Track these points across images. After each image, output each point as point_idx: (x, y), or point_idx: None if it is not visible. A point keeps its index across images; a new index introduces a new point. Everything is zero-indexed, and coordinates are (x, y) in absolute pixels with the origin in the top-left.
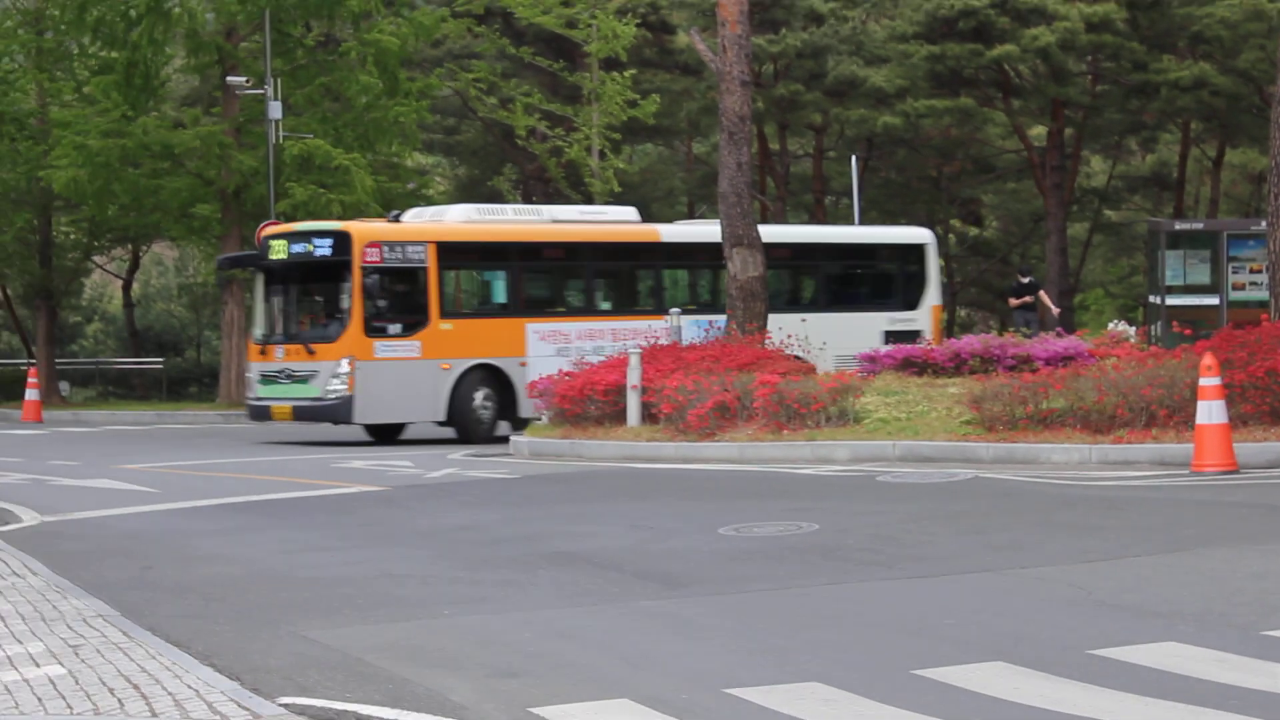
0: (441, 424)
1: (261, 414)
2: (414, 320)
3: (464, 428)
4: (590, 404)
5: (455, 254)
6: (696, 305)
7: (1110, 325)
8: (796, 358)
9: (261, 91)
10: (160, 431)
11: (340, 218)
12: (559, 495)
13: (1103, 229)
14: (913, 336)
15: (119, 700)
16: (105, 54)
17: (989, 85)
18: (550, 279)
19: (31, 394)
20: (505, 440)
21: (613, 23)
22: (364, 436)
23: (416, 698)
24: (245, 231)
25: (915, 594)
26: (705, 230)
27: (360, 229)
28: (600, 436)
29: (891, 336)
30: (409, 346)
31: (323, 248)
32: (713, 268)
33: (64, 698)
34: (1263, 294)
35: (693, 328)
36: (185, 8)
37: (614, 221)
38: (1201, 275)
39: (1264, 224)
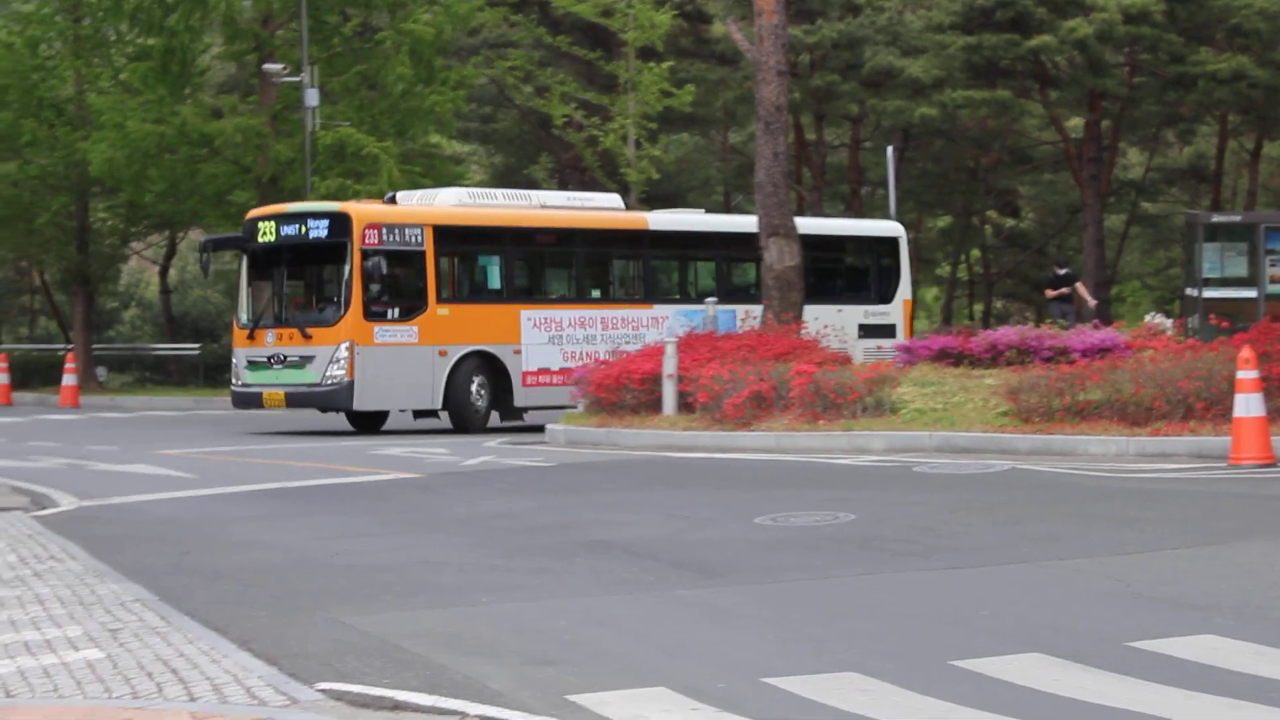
0: (420, 414)
1: (250, 401)
2: (412, 305)
3: (459, 416)
4: (626, 393)
5: (453, 238)
6: (687, 296)
7: (1147, 317)
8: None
9: (298, 79)
10: (196, 417)
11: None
12: (595, 484)
13: (1140, 221)
14: (888, 330)
15: (157, 685)
16: (142, 41)
17: (1026, 76)
18: (545, 265)
19: (69, 379)
20: (498, 431)
21: (650, 12)
22: (345, 426)
23: (454, 684)
24: None
25: (952, 585)
26: (693, 219)
27: (360, 210)
28: (636, 425)
29: (866, 330)
30: (407, 332)
31: (318, 229)
32: (702, 259)
33: (102, 681)
34: None
35: (680, 318)
36: None
37: (603, 208)
38: (1239, 268)
39: None
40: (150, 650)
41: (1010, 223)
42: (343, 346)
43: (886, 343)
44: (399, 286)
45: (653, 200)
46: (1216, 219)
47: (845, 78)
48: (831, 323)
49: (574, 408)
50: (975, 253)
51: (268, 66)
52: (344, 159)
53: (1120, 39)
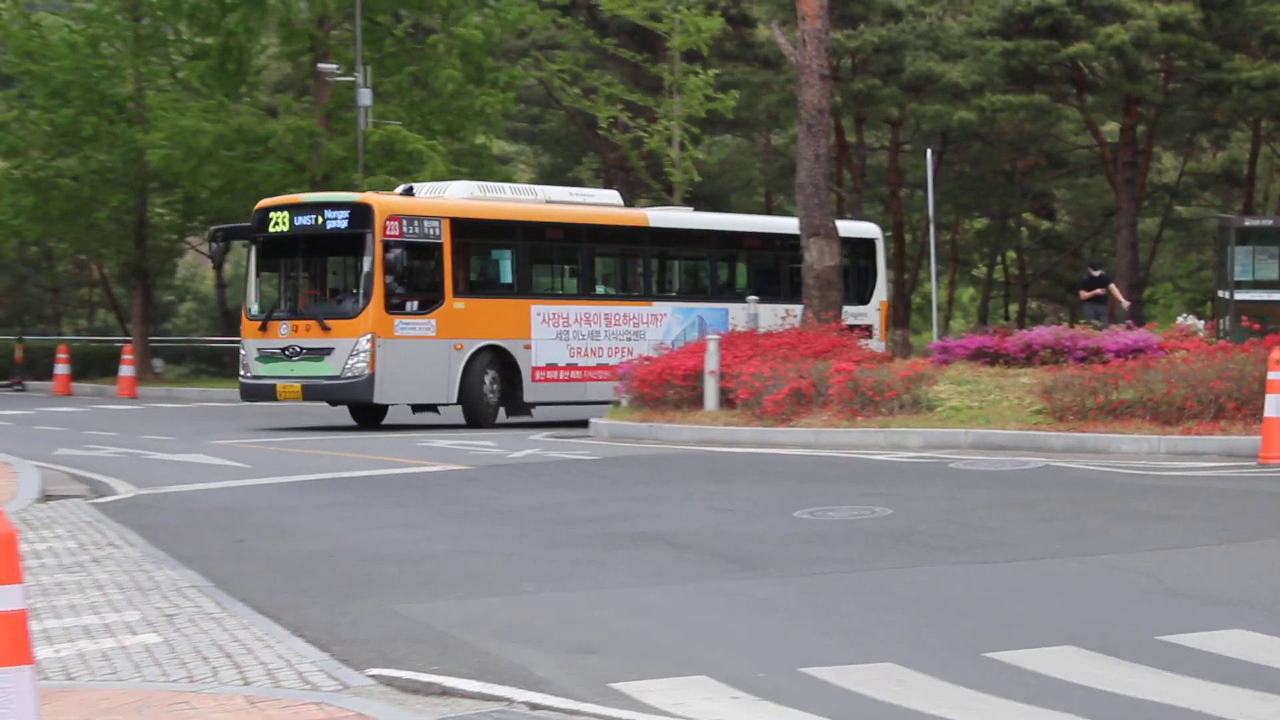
0: (418, 408)
1: (260, 393)
2: (430, 298)
3: (472, 410)
4: (669, 388)
5: (469, 230)
6: (693, 293)
7: (1179, 319)
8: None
9: (352, 79)
10: (249, 409)
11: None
12: (638, 477)
13: (1173, 224)
14: (865, 332)
15: (213, 669)
16: (200, 40)
17: (1063, 81)
18: (556, 260)
19: (126, 370)
20: (508, 426)
21: (697, 18)
22: (337, 420)
23: (501, 671)
24: None
25: (986, 579)
26: (693, 217)
27: (382, 201)
28: (678, 420)
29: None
30: (425, 325)
31: (337, 219)
32: (703, 258)
33: (160, 665)
34: None
35: (679, 315)
36: None
37: (603, 205)
38: (1270, 271)
39: None
40: (206, 635)
41: (1046, 225)
42: (364, 338)
43: (865, 344)
44: (417, 279)
45: (695, 200)
46: (1248, 223)
47: (886, 82)
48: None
49: (583, 405)
50: (1011, 254)
51: (322, 66)
52: (393, 156)
53: (1156, 46)
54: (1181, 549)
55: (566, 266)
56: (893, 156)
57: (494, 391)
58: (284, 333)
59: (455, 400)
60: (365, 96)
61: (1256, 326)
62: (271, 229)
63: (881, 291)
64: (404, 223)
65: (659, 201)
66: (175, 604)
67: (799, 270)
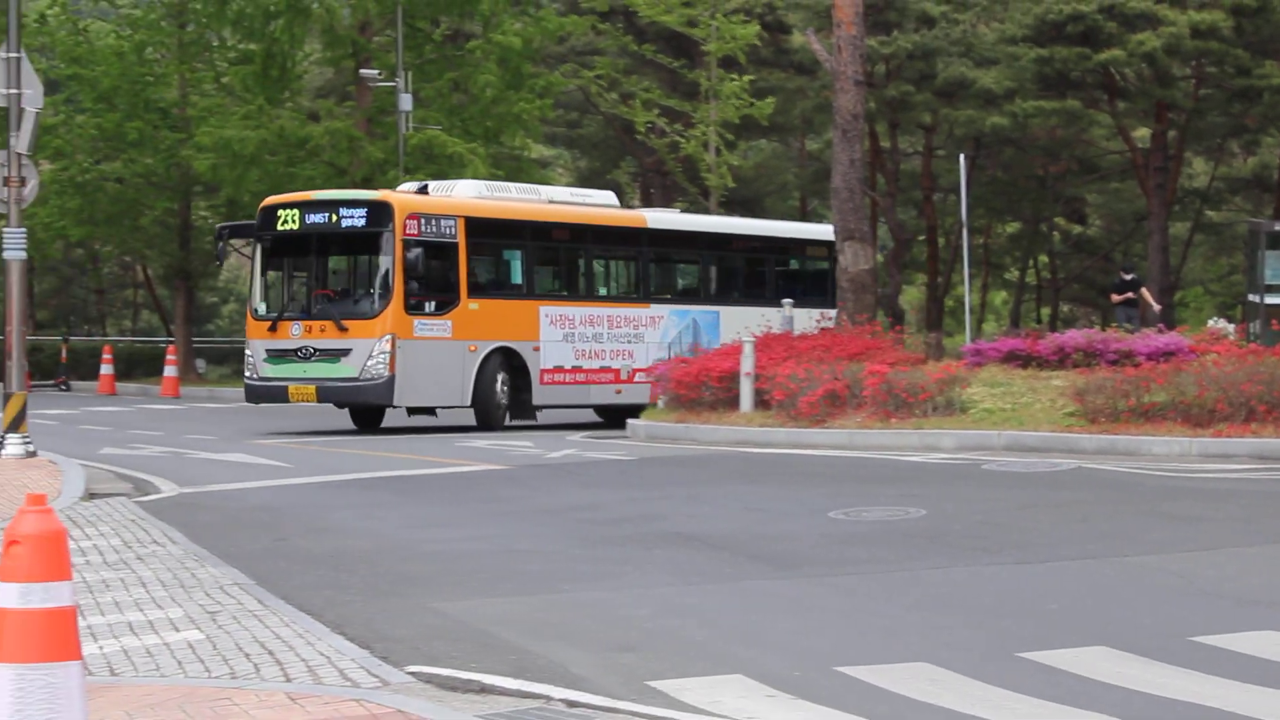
0: (414, 410)
1: (270, 395)
2: (446, 298)
3: (485, 413)
4: (705, 390)
5: (482, 230)
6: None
7: (1210, 322)
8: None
9: (393, 84)
10: (291, 409)
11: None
12: (674, 477)
13: (1203, 229)
14: None
15: (254, 665)
16: (244, 46)
17: (1095, 88)
18: (563, 261)
19: (170, 370)
20: (517, 429)
21: (734, 27)
22: (336, 424)
23: (539, 669)
24: None
25: (1019, 579)
26: (689, 219)
27: (402, 199)
28: (714, 421)
29: None
30: (443, 325)
31: (354, 217)
32: (695, 260)
33: (202, 661)
34: None
35: (675, 317)
36: (323, 4)
37: (602, 205)
38: None
39: None
40: (248, 632)
41: (1077, 229)
42: (385, 339)
43: None
44: (434, 279)
45: (731, 205)
46: (1279, 227)
47: (919, 88)
48: (773, 326)
49: (585, 408)
50: (1043, 258)
51: (364, 72)
52: (433, 160)
53: (1188, 52)
54: (1214, 550)
55: (573, 267)
56: (926, 161)
57: (505, 394)
58: (296, 333)
59: (469, 403)
60: (406, 101)
61: None
62: (280, 227)
63: None
64: (422, 221)
65: (695, 205)
66: (217, 601)
67: (785, 273)
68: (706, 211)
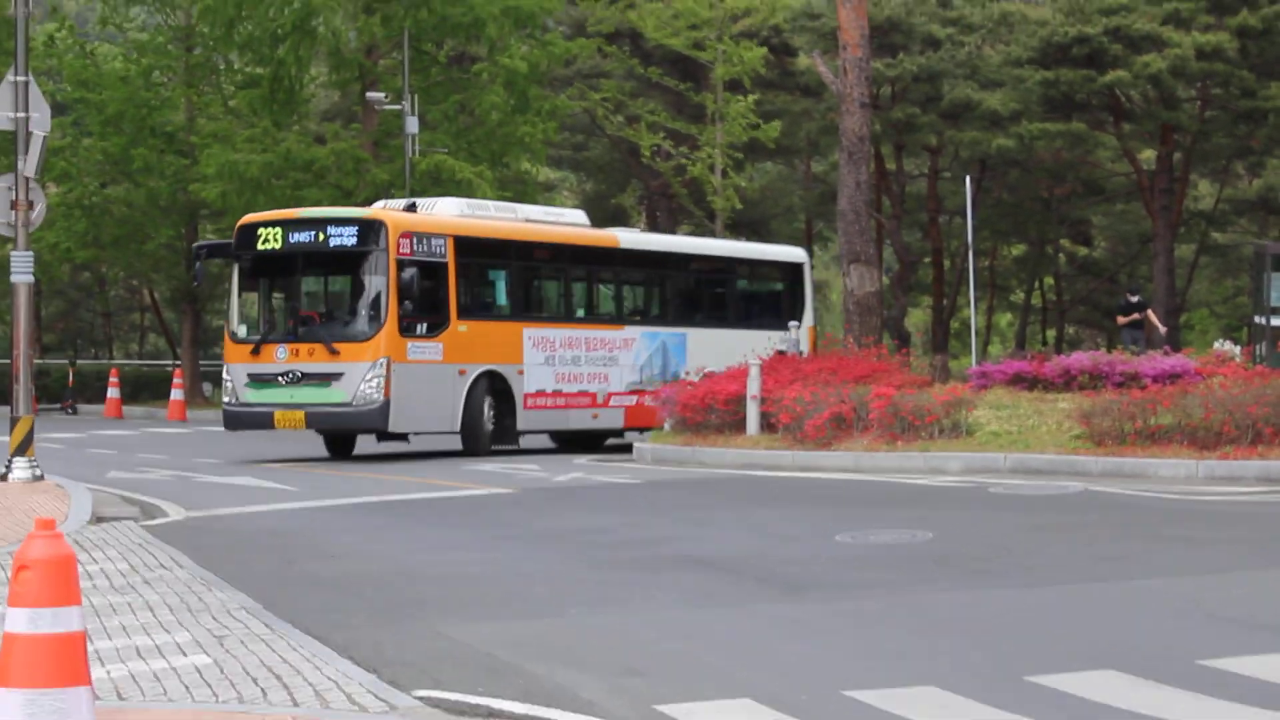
0: (382, 437)
1: (252, 421)
2: (437, 320)
3: (472, 438)
4: (711, 413)
5: (470, 250)
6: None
7: (1216, 344)
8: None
9: (399, 107)
10: (298, 433)
11: None
12: (681, 500)
13: (1209, 251)
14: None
15: (262, 690)
16: (251, 69)
17: (1100, 110)
18: (544, 282)
19: (176, 394)
20: (502, 454)
21: (741, 51)
22: (308, 451)
23: (547, 693)
24: None
25: (1027, 602)
26: (661, 240)
27: (395, 217)
28: (720, 444)
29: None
30: (434, 348)
31: (344, 236)
32: (661, 282)
33: (210, 686)
34: None
35: (646, 340)
36: (330, 27)
37: (573, 224)
38: None
39: None
40: (255, 656)
41: (1083, 251)
42: (380, 363)
43: None
44: (425, 300)
45: (736, 227)
46: None
47: (925, 110)
48: (736, 348)
49: (565, 433)
50: (1049, 280)
51: (370, 95)
52: (439, 183)
53: (1193, 74)
54: (1222, 573)
55: (555, 289)
56: (932, 183)
57: (491, 419)
58: (281, 357)
59: (458, 428)
60: (412, 124)
61: None
62: (261, 246)
63: (809, 316)
64: (415, 240)
65: (700, 228)
66: (225, 625)
67: (747, 295)
68: (713, 234)
